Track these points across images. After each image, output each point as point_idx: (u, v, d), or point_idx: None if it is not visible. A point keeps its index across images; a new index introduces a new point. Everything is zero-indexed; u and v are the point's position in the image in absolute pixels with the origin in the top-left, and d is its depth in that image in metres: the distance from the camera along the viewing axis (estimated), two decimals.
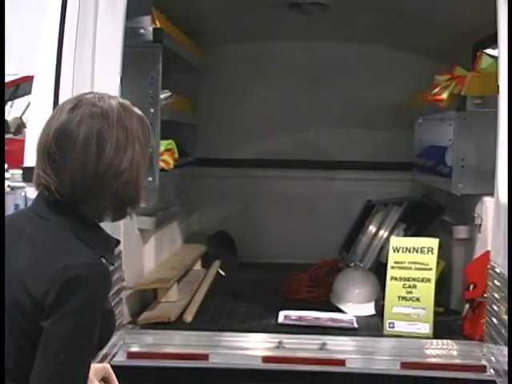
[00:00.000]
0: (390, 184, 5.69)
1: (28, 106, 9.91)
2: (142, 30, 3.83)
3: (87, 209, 1.96)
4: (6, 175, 5.42)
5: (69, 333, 1.79)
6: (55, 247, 1.89)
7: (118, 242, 2.06)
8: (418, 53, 5.55)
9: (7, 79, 8.44)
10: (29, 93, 10.45)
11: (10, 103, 9.24)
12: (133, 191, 1.98)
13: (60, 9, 2.82)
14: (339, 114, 5.77)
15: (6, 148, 7.00)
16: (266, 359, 3.51)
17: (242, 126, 5.80)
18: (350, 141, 5.78)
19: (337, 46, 5.62)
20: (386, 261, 4.31)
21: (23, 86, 9.34)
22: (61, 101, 2.95)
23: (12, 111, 9.44)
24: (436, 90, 3.98)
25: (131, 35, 3.61)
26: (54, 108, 2.91)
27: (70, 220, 1.94)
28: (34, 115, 3.20)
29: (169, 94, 4.32)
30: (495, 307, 3.15)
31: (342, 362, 3.49)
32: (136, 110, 2.05)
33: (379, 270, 4.49)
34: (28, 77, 9.25)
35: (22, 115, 9.89)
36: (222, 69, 5.72)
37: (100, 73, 3.08)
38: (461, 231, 4.08)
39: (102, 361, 3.20)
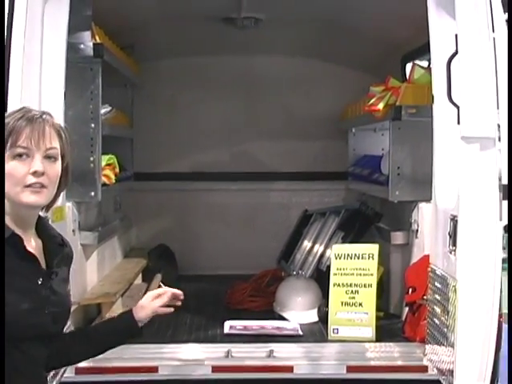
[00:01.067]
0: (326, 193, 5.84)
1: None
2: (82, 46, 3.85)
3: None
4: None
5: None
6: None
7: (11, 235, 2.11)
8: (350, 65, 5.72)
9: None
10: None
11: None
12: None
13: (6, 22, 2.81)
14: (275, 125, 5.88)
15: None
16: (215, 369, 3.55)
17: (178, 140, 5.84)
18: (286, 152, 5.90)
19: (272, 59, 5.75)
20: (326, 268, 4.44)
21: None
22: None
23: None
24: (372, 100, 4.11)
25: (71, 50, 3.61)
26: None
27: None
28: None
29: (109, 108, 4.33)
30: (436, 308, 3.27)
31: (290, 369, 3.56)
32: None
33: (319, 277, 4.59)
34: None
35: None
36: (158, 82, 5.76)
37: (46, 88, 3.07)
38: (398, 237, 4.22)
39: (52, 377, 3.18)
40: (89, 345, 2.41)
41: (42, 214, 2.27)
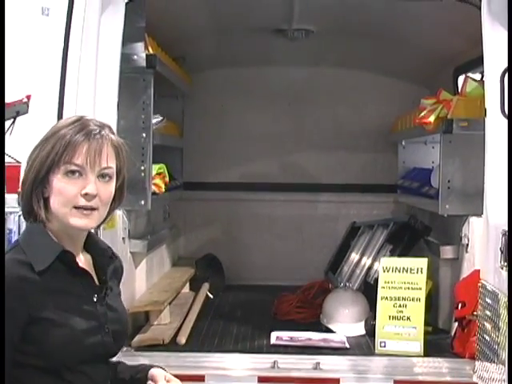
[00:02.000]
0: (374, 206, 5.80)
1: (7, 132, 9.91)
2: (135, 56, 3.90)
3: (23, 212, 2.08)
4: None
5: None
6: None
7: (63, 252, 2.03)
8: (401, 77, 5.69)
9: None
10: (7, 119, 10.44)
11: None
12: (33, 193, 2.02)
13: (64, 34, 2.88)
14: (324, 137, 5.87)
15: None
16: (261, 379, 3.55)
17: (227, 150, 5.88)
18: (335, 163, 5.89)
19: (321, 70, 5.74)
20: (374, 281, 4.41)
21: (6, 110, 9.31)
22: None
23: None
24: (423, 113, 4.08)
25: (124, 61, 3.67)
26: None
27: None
28: (32, 138, 3.21)
29: (160, 118, 4.39)
30: (487, 324, 3.23)
31: (336, 381, 3.53)
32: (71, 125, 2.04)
33: (367, 290, 4.56)
34: (7, 103, 9.23)
35: None
36: (208, 93, 5.81)
37: (100, 97, 3.13)
38: (448, 251, 4.17)
39: None
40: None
41: None
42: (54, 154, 1.98)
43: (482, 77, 3.98)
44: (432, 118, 3.95)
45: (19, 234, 3.83)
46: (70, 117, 2.12)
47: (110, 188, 2.05)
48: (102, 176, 2.02)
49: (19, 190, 2.10)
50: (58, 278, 2.01)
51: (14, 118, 9.98)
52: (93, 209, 2.01)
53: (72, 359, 1.98)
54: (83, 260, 2.13)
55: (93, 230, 2.18)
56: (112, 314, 2.12)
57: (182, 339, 3.93)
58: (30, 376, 1.99)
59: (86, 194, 1.99)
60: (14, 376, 1.99)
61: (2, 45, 2.96)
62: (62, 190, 1.98)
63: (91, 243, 2.16)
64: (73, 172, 1.99)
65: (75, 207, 1.99)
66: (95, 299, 2.08)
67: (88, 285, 2.08)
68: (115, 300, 2.17)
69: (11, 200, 3.57)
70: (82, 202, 1.99)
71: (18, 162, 8.93)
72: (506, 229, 2.96)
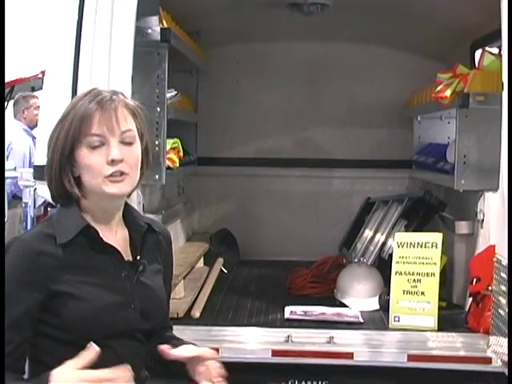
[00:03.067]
0: (389, 182, 5.78)
1: None
2: (149, 30, 3.87)
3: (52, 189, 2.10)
4: (15, 173, 5.44)
5: None
6: None
7: (86, 226, 2.04)
8: (416, 52, 5.64)
9: None
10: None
11: (5, 104, 9.24)
12: (62, 170, 2.03)
13: (78, 8, 2.88)
14: (338, 112, 5.85)
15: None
16: (275, 353, 3.56)
17: (242, 125, 5.87)
18: (349, 139, 5.86)
19: (336, 45, 5.70)
20: (388, 257, 4.41)
21: (18, 87, 9.36)
22: None
23: (7, 113, 9.44)
24: (439, 87, 4.05)
25: (138, 35, 3.65)
26: None
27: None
28: (47, 113, 3.23)
29: (174, 93, 4.38)
30: (502, 299, 3.22)
31: (350, 355, 3.54)
32: (93, 97, 2.03)
33: (381, 265, 4.57)
34: (21, 79, 9.26)
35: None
36: (222, 68, 5.78)
37: (114, 71, 3.13)
38: (463, 226, 4.15)
39: None
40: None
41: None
42: (72, 130, 1.99)
43: (500, 50, 3.93)
44: (448, 93, 3.92)
45: (34, 208, 3.85)
46: (83, 91, 2.12)
47: (135, 151, 2.04)
48: (124, 141, 2.02)
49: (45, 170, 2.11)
50: (81, 252, 2.03)
51: None
52: (123, 173, 2.01)
53: (92, 333, 1.99)
54: (118, 236, 2.12)
55: (136, 205, 2.22)
56: (143, 291, 2.10)
57: (197, 313, 3.95)
58: (54, 347, 2.03)
59: (112, 161, 1.99)
60: (39, 346, 2.03)
61: (2, 45, 2.97)
62: (89, 163, 1.99)
63: (129, 219, 2.16)
64: (94, 142, 1.99)
65: (105, 176, 1.99)
66: (123, 275, 2.07)
67: (115, 260, 2.08)
68: (151, 277, 2.15)
69: (26, 174, 3.60)
70: (111, 169, 1.99)
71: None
72: None
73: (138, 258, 2.13)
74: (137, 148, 2.06)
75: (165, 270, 2.27)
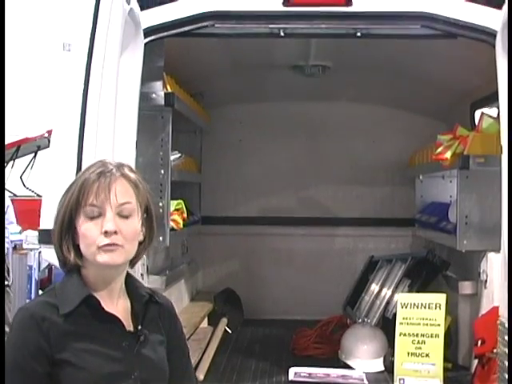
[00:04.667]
0: (392, 240, 5.80)
1: (28, 166, 10.04)
2: (153, 95, 3.94)
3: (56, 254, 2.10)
4: (21, 237, 5.49)
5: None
6: None
7: (88, 296, 2.05)
8: (417, 112, 5.72)
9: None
10: (28, 153, 10.54)
11: (11, 164, 9.34)
12: (64, 239, 2.06)
13: (84, 71, 2.95)
14: (341, 171, 5.90)
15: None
16: None
17: (245, 184, 5.92)
18: (352, 197, 5.91)
19: (338, 105, 5.79)
20: (392, 316, 4.39)
21: (23, 147, 9.47)
22: (84, 162, 3.03)
23: (13, 171, 9.54)
24: (439, 149, 4.10)
25: (143, 99, 3.72)
26: (76, 171, 3.02)
27: None
28: (52, 177, 3.25)
29: (178, 155, 4.43)
30: (507, 363, 3.19)
31: None
32: (96, 170, 2.06)
33: (385, 325, 4.54)
34: (27, 138, 9.39)
35: (22, 174, 9.98)
36: (226, 128, 5.86)
37: (119, 135, 3.18)
38: (467, 287, 4.15)
39: None
40: None
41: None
42: (72, 200, 2.03)
43: (499, 113, 3.98)
44: (448, 155, 3.97)
45: (39, 270, 3.90)
46: (93, 162, 2.15)
47: (131, 224, 2.04)
48: (121, 212, 2.02)
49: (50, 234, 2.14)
50: (83, 322, 2.03)
51: (35, 153, 10.15)
52: (115, 245, 2.01)
53: None
54: (120, 306, 2.12)
55: (140, 277, 2.21)
56: (144, 362, 2.08)
57: (201, 375, 3.93)
58: None
59: (106, 232, 1.99)
60: None
61: (2, 45, 3.01)
62: (86, 232, 2.01)
63: (131, 289, 2.15)
64: (92, 213, 2.01)
65: (99, 247, 2.01)
66: (124, 345, 2.06)
67: (117, 330, 2.07)
68: (152, 348, 2.13)
69: (32, 237, 3.61)
70: (105, 240, 2.00)
71: (38, 195, 9.05)
72: None
73: (140, 327, 2.12)
74: (134, 221, 2.05)
75: (172, 342, 2.23)
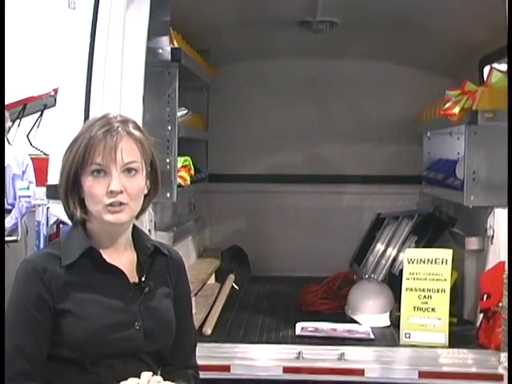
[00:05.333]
0: (399, 197, 5.80)
1: (35, 124, 10.03)
2: (160, 50, 3.91)
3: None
4: (29, 192, 5.55)
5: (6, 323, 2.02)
6: None
7: (89, 248, 2.08)
8: (425, 68, 5.67)
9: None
10: (34, 112, 10.55)
11: (17, 122, 9.33)
12: (70, 193, 2.08)
13: (90, 28, 2.93)
14: (348, 128, 5.88)
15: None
16: (286, 369, 3.59)
17: (252, 142, 5.91)
18: (359, 155, 5.89)
19: (345, 62, 5.74)
20: (399, 273, 4.42)
21: (30, 105, 9.44)
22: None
23: (20, 130, 9.53)
24: (447, 104, 4.07)
25: (149, 55, 3.69)
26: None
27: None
28: (59, 133, 3.26)
29: (185, 111, 4.42)
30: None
31: (361, 372, 3.56)
32: (102, 125, 2.06)
33: (392, 281, 4.57)
34: (34, 97, 9.35)
35: (28, 133, 9.98)
36: (233, 86, 5.83)
37: (126, 91, 3.17)
38: (473, 242, 4.16)
39: None
40: None
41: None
42: (78, 156, 2.04)
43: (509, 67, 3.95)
44: (457, 110, 3.94)
45: (47, 225, 3.92)
46: (96, 116, 2.16)
47: (136, 182, 2.06)
48: (127, 171, 2.04)
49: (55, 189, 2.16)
50: (85, 273, 2.06)
51: (42, 111, 10.14)
52: (122, 203, 2.04)
53: (94, 352, 2.02)
54: (125, 259, 2.14)
55: (148, 233, 2.25)
56: (148, 312, 2.11)
57: (208, 330, 3.97)
58: (58, 366, 2.06)
59: (112, 192, 2.02)
60: (46, 366, 2.06)
61: (2, 44, 3.01)
62: (91, 190, 2.03)
63: (138, 241, 2.18)
64: (97, 171, 2.03)
65: (105, 205, 2.03)
66: (128, 296, 2.09)
67: (119, 281, 2.10)
68: (158, 299, 2.15)
69: (40, 193, 3.64)
70: (110, 199, 2.02)
71: (45, 154, 9.06)
72: None
73: (143, 279, 2.14)
74: (139, 179, 2.07)
75: (178, 296, 2.25)
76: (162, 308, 2.16)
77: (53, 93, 8.52)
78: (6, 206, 6.10)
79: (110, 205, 2.03)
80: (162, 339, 2.16)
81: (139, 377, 2.04)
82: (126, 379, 2.02)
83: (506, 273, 3.34)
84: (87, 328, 2.02)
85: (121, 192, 2.03)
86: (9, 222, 6.11)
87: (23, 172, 6.41)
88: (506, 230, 3.54)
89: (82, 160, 2.03)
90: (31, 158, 6.47)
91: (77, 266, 2.06)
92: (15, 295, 2.05)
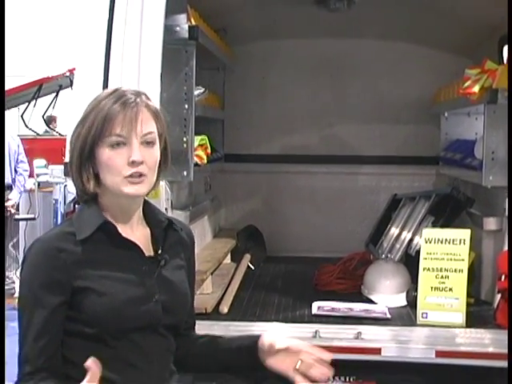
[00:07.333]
0: (416, 178, 5.77)
1: (50, 105, 10.06)
2: (177, 28, 3.89)
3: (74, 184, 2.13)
4: (46, 171, 5.65)
5: (18, 307, 2.03)
6: None
7: (105, 222, 2.09)
8: (443, 48, 5.61)
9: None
10: (50, 92, 10.62)
11: (33, 102, 9.36)
12: (83, 168, 2.08)
13: (108, 7, 2.92)
14: (364, 108, 5.84)
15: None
16: None
17: (268, 122, 5.89)
18: (376, 135, 5.86)
19: (362, 42, 5.69)
20: (415, 253, 4.41)
21: (45, 85, 9.47)
22: None
23: (36, 110, 9.57)
24: (467, 83, 4.03)
25: (167, 33, 3.68)
26: None
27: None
28: (76, 113, 3.26)
29: (202, 90, 4.41)
30: None
31: (377, 351, 3.55)
32: (117, 98, 2.08)
33: (408, 262, 4.56)
34: (49, 77, 9.38)
35: (44, 113, 10.02)
36: (248, 65, 5.80)
37: (144, 69, 3.16)
38: (491, 223, 4.14)
39: None
40: (209, 354, 2.28)
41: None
42: (94, 129, 2.05)
43: None
44: (476, 88, 3.90)
45: (64, 203, 3.94)
46: (106, 90, 2.17)
47: (154, 153, 2.09)
48: (145, 142, 2.06)
49: (67, 167, 2.16)
50: (101, 248, 2.07)
51: (57, 92, 10.19)
52: (141, 175, 2.05)
53: (114, 327, 2.04)
54: (138, 233, 2.16)
55: (165, 212, 2.28)
56: (165, 285, 2.13)
57: (225, 308, 3.98)
58: (79, 343, 2.07)
59: (133, 162, 2.03)
60: (64, 344, 2.07)
61: (2, 44, 3.01)
62: (110, 161, 2.03)
63: (150, 215, 2.20)
64: (117, 143, 2.03)
65: (125, 177, 2.03)
66: (144, 269, 2.11)
67: (135, 255, 2.11)
68: (172, 272, 2.18)
69: (57, 171, 3.66)
70: (131, 170, 2.03)
71: (61, 135, 9.21)
72: None
73: (160, 252, 2.16)
74: (156, 150, 2.10)
75: (190, 268, 2.31)
76: (178, 281, 2.19)
77: (68, 73, 8.54)
78: (8, 182, 6.68)
79: (130, 176, 2.04)
80: (178, 311, 2.20)
81: (160, 350, 2.07)
82: (145, 353, 2.06)
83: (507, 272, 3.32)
84: (107, 304, 2.03)
85: (141, 163, 2.04)
86: (17, 196, 6.93)
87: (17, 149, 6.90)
88: None
89: (99, 132, 2.03)
90: (46, 139, 6.58)
91: (92, 241, 2.07)
92: (26, 278, 2.05)
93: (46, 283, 2.00)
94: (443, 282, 3.80)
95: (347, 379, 3.71)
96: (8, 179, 7.17)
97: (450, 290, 3.79)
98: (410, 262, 4.48)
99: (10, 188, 7.12)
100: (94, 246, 2.06)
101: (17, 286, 7.93)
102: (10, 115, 11.13)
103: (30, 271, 2.04)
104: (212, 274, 4.48)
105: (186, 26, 3.90)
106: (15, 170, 7.37)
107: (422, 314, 3.81)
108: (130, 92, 2.09)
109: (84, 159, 2.06)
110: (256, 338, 2.19)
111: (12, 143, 7.35)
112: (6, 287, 8.24)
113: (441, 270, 3.81)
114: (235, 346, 2.25)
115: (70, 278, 2.01)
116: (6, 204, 7.12)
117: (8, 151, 7.34)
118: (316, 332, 3.64)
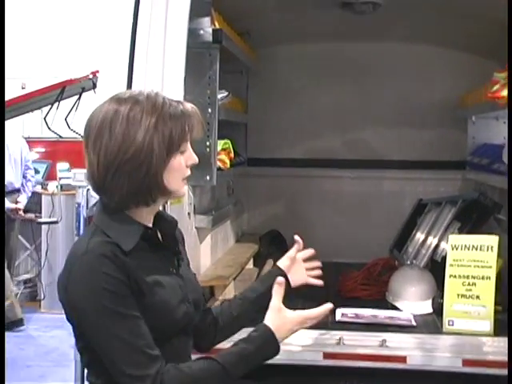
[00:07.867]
0: (441, 183, 5.70)
1: (73, 107, 10.08)
2: (201, 31, 3.88)
3: (107, 197, 2.01)
4: (69, 174, 5.69)
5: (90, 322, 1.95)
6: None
7: (149, 229, 2.06)
8: (470, 51, 5.54)
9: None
10: (72, 95, 10.64)
11: (55, 105, 9.38)
12: (147, 177, 1.98)
13: (133, 10, 2.91)
14: (389, 112, 5.78)
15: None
16: (327, 355, 3.53)
17: (291, 126, 5.85)
18: (400, 140, 5.80)
19: (387, 45, 5.64)
20: (441, 259, 4.34)
21: (68, 88, 9.49)
22: None
23: (58, 113, 9.59)
24: (495, 87, 3.97)
25: (190, 36, 3.65)
26: None
27: (97, 210, 2.06)
28: None
29: (225, 93, 4.38)
30: None
31: (403, 359, 3.49)
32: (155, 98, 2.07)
33: (434, 268, 4.49)
34: (72, 80, 9.39)
35: (67, 116, 10.03)
36: (272, 69, 5.77)
37: (168, 73, 3.14)
38: None
39: None
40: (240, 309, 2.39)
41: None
42: (175, 133, 2.03)
43: None
44: (505, 92, 3.84)
45: (87, 208, 3.90)
46: (142, 95, 2.07)
47: None
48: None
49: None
50: (143, 255, 2.03)
51: (80, 94, 10.21)
52: None
53: (164, 333, 2.01)
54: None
55: (187, 216, 2.36)
56: (189, 284, 2.14)
57: None
58: None
59: (192, 164, 2.10)
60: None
61: (2, 44, 3.00)
62: (179, 166, 2.05)
63: (158, 216, 2.17)
64: (185, 147, 2.07)
65: (183, 179, 2.09)
66: (173, 271, 2.10)
67: (166, 258, 2.10)
68: (187, 270, 2.20)
69: (80, 174, 3.64)
70: (188, 171, 2.10)
71: (82, 137, 9.20)
72: None
73: (178, 251, 2.18)
74: None
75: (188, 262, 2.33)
76: (193, 277, 2.22)
77: (91, 76, 8.54)
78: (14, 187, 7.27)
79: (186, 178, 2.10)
80: (200, 308, 2.22)
81: (189, 349, 2.13)
82: (179, 355, 2.04)
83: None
84: (163, 311, 2.00)
85: None
86: (25, 200, 7.50)
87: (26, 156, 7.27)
88: None
89: (180, 139, 2.02)
90: (69, 141, 6.63)
91: (135, 249, 2.01)
92: (92, 290, 1.91)
93: (114, 283, 1.91)
94: (470, 290, 3.73)
95: None
96: (18, 184, 7.70)
97: (477, 297, 3.72)
98: (436, 268, 4.40)
99: (19, 191, 7.67)
100: (139, 255, 2.01)
101: (39, 289, 8.01)
102: (33, 117, 11.21)
103: (94, 289, 1.92)
104: (234, 279, 4.44)
105: (209, 30, 3.88)
106: (24, 176, 7.78)
107: (449, 321, 3.74)
108: (175, 100, 2.13)
109: (158, 167, 1.98)
110: (274, 273, 2.58)
111: (24, 149, 7.66)
112: (28, 290, 8.28)
113: (468, 277, 3.74)
114: (263, 289, 2.57)
115: (129, 281, 1.94)
116: (17, 206, 7.52)
117: (20, 156, 7.79)
118: (340, 339, 3.58)
